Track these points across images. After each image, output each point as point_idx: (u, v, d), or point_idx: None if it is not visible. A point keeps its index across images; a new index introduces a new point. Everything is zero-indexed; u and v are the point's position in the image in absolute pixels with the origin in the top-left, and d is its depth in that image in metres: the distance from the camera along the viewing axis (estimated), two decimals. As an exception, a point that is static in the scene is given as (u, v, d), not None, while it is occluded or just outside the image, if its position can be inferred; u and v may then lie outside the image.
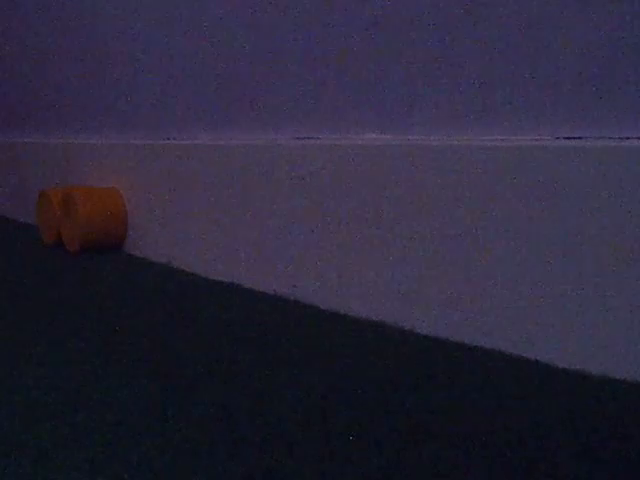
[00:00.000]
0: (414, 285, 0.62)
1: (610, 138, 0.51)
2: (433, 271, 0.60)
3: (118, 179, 1.05)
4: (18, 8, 1.43)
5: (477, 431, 0.42)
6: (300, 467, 0.38)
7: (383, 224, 0.64)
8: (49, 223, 1.09)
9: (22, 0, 1.40)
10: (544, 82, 0.55)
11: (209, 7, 0.88)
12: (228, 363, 0.54)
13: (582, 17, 0.52)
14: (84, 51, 1.20)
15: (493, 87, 0.58)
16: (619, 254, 0.49)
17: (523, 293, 0.54)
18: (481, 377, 0.50)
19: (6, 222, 1.43)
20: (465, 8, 0.60)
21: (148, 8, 1.01)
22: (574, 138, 0.53)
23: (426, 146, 0.61)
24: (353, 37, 0.69)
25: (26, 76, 1.45)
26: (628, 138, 0.50)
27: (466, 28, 0.60)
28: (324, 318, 0.66)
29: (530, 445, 0.40)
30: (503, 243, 0.55)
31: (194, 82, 0.93)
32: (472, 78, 0.60)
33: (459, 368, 0.52)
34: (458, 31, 0.60)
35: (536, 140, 0.54)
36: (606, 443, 0.40)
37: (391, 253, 0.64)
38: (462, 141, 0.59)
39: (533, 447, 0.39)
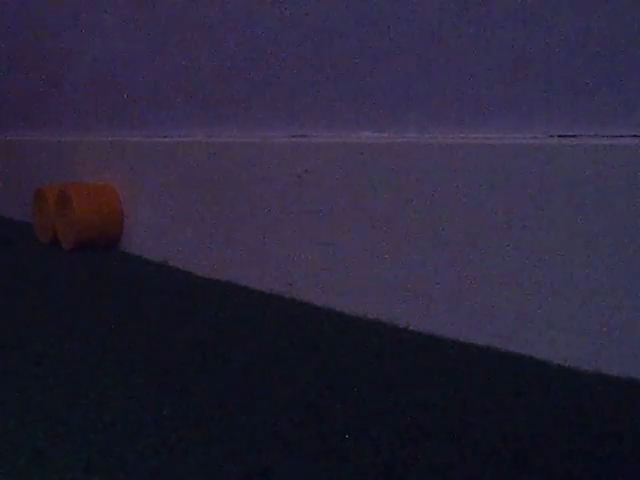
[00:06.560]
0: (410, 283, 0.62)
1: (604, 136, 0.51)
2: (428, 269, 0.60)
3: (114, 177, 1.05)
4: (16, 7, 1.42)
5: (472, 428, 0.42)
6: (296, 466, 0.38)
7: (378, 222, 0.64)
8: (45, 221, 1.09)
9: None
10: (538, 81, 0.55)
11: (204, 5, 0.88)
12: (224, 361, 0.54)
13: (576, 16, 0.52)
14: (80, 49, 1.20)
15: (488, 86, 0.58)
16: (613, 251, 0.49)
17: (517, 290, 0.54)
18: (476, 374, 0.50)
19: (1, 220, 1.43)
20: (459, 6, 0.60)
21: (143, 7, 1.00)
22: (568, 136, 0.53)
23: (421, 144, 0.61)
24: (348, 36, 0.69)
25: (22, 74, 1.44)
26: (622, 136, 0.50)
27: (460, 26, 0.60)
28: (320, 316, 0.66)
29: (524, 441, 0.40)
30: (498, 241, 0.55)
31: (189, 80, 0.93)
32: (467, 76, 0.60)
33: (454, 365, 0.52)
34: (452, 29, 0.60)
35: (531, 138, 0.54)
36: (599, 440, 0.40)
37: (386, 251, 0.64)
38: (456, 139, 0.59)
39: (527, 444, 0.40)
